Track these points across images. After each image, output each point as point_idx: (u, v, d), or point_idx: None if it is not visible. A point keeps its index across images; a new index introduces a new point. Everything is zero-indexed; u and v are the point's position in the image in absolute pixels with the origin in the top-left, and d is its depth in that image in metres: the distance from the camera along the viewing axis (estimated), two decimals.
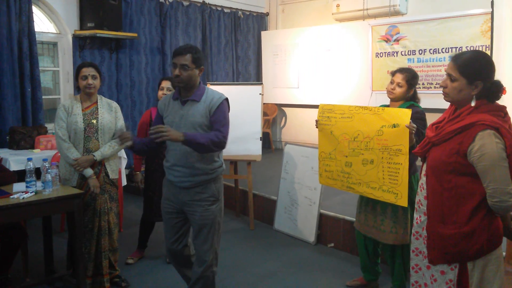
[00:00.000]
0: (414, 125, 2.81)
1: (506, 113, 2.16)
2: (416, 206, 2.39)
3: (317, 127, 3.46)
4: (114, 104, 3.54)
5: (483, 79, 2.11)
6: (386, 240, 3.26)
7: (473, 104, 2.13)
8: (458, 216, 2.12)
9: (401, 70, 3.30)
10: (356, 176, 3.18)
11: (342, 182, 3.30)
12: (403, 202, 2.90)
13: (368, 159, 3.06)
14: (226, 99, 2.90)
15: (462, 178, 2.11)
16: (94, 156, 3.33)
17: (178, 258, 3.12)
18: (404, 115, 2.85)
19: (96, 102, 3.45)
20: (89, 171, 3.33)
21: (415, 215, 2.39)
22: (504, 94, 2.17)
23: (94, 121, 3.38)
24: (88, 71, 3.35)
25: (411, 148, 2.96)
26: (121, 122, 3.50)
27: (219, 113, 2.82)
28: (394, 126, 2.87)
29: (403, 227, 3.20)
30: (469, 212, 2.10)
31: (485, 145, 2.02)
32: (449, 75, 2.18)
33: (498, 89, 2.12)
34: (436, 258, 2.21)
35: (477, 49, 6.12)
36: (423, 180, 2.32)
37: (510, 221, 2.21)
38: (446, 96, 2.22)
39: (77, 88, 3.48)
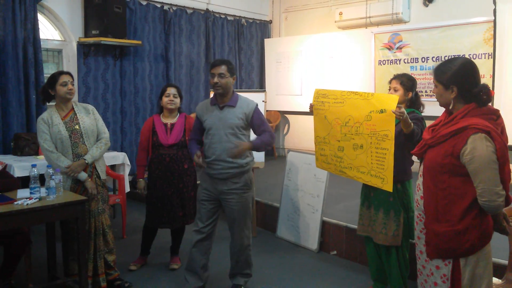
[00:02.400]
0: (402, 111, 2.83)
1: (498, 116, 2.28)
2: (414, 204, 2.50)
3: (311, 111, 3.52)
4: (90, 107, 3.63)
5: (457, 84, 2.24)
6: (377, 240, 3.32)
7: (450, 107, 2.30)
8: (451, 215, 2.23)
9: (396, 76, 3.39)
10: (348, 160, 3.24)
11: (335, 166, 3.39)
12: (389, 187, 2.96)
13: (358, 144, 3.12)
14: (257, 104, 3.49)
15: (455, 178, 2.22)
16: (85, 159, 3.41)
17: (203, 242, 3.48)
18: (391, 100, 2.89)
19: (72, 108, 3.52)
20: (83, 175, 3.42)
21: (416, 213, 2.49)
22: (492, 95, 2.28)
23: (77, 127, 3.46)
24: (66, 77, 3.44)
25: (411, 134, 2.99)
26: (100, 122, 3.61)
27: (259, 117, 3.44)
28: (381, 111, 2.90)
29: (393, 229, 3.24)
30: (461, 211, 2.21)
31: (476, 148, 2.14)
32: (433, 82, 2.37)
33: (480, 93, 2.22)
34: (432, 253, 2.33)
35: (479, 56, 6.14)
36: (419, 180, 2.43)
37: (502, 219, 2.32)
38: (438, 101, 2.40)
39: (46, 99, 3.54)
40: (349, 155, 3.22)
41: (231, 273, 3.62)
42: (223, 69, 3.30)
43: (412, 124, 2.96)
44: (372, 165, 3.03)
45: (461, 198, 2.21)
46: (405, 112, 2.86)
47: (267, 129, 3.45)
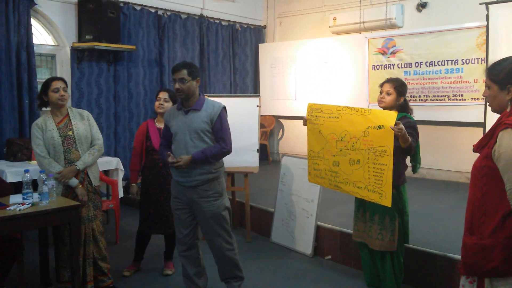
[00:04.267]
0: (401, 127, 2.83)
1: None
2: None
3: (304, 125, 3.50)
4: (85, 113, 3.62)
5: None
6: (373, 246, 3.32)
7: (508, 109, 2.10)
8: (484, 227, 2.05)
9: (389, 80, 3.38)
10: (343, 175, 3.23)
11: (330, 181, 3.37)
12: (387, 202, 2.95)
13: (355, 159, 3.11)
14: (224, 107, 3.34)
15: (493, 185, 2.03)
16: (76, 166, 3.40)
17: (188, 252, 3.44)
18: (389, 117, 2.89)
19: (68, 114, 3.51)
20: (74, 181, 3.41)
21: None
22: None
23: (70, 133, 3.45)
24: (59, 83, 3.43)
25: (408, 148, 2.98)
26: (95, 128, 3.60)
27: (220, 122, 3.27)
28: (379, 127, 2.91)
29: (389, 234, 3.25)
30: (494, 225, 2.01)
31: (502, 145, 1.97)
32: (486, 83, 2.18)
33: None
34: (461, 267, 2.17)
35: (472, 61, 6.18)
36: None
37: None
38: (490, 106, 2.21)
39: (41, 104, 3.53)
40: (345, 170, 3.21)
41: (222, 278, 3.58)
42: (183, 73, 3.21)
43: (409, 139, 2.96)
44: (370, 180, 3.02)
45: (496, 209, 2.00)
46: (404, 128, 2.86)
47: (225, 137, 3.28)
